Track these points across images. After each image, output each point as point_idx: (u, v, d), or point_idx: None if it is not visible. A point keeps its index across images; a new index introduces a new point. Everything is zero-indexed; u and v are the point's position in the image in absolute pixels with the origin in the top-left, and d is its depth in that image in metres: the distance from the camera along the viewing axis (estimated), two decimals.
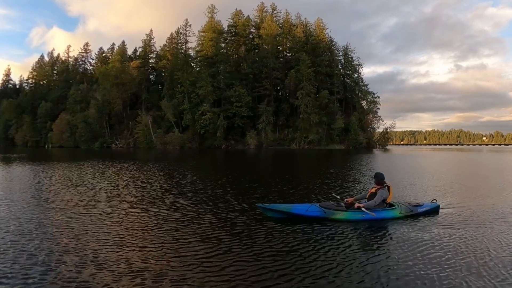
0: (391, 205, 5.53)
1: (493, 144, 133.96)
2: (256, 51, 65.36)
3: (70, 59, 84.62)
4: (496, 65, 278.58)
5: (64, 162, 20.44)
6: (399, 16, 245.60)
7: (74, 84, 76.04)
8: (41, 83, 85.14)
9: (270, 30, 62.28)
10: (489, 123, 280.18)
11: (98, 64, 79.44)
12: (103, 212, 5.95)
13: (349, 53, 68.08)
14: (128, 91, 65.90)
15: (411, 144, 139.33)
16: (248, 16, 67.58)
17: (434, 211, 5.84)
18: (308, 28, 67.31)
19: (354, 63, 67.03)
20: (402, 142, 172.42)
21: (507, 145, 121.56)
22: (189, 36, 64.80)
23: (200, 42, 63.79)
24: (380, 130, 67.19)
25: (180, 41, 66.64)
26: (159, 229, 4.78)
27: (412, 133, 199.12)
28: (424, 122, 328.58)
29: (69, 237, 4.34)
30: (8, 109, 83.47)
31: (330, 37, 67.28)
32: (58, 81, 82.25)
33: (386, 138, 67.85)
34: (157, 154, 34.67)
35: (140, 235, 4.49)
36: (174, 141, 55.81)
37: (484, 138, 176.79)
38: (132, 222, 5.25)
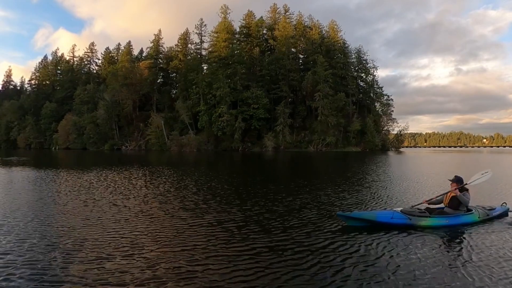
0: (468, 209, 5.46)
1: (498, 146, 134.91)
2: (269, 52, 64.53)
3: (75, 59, 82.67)
4: (496, 67, 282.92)
5: (82, 166, 18.41)
6: (402, 22, 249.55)
7: (80, 84, 74.17)
8: (45, 83, 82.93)
9: (285, 31, 61.47)
10: (488, 125, 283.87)
11: (105, 64, 77.72)
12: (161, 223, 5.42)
13: (362, 55, 67.71)
14: (139, 92, 64.25)
15: (413, 146, 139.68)
16: (262, 17, 66.88)
17: (504, 214, 5.90)
18: (321, 30, 66.83)
19: (368, 65, 66.62)
20: (402, 145, 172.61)
21: (510, 147, 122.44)
22: (203, 36, 63.48)
23: (212, 42, 62.60)
24: (394, 132, 66.94)
25: (194, 41, 65.54)
26: (226, 244, 4.26)
27: (413, 136, 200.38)
28: (423, 124, 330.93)
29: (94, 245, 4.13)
30: (10, 110, 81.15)
31: (343, 39, 66.91)
32: (63, 81, 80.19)
33: (400, 140, 67.63)
34: (178, 157, 33.37)
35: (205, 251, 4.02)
36: (191, 143, 54.32)
37: (485, 140, 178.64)
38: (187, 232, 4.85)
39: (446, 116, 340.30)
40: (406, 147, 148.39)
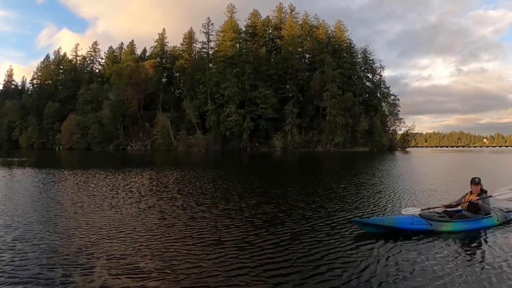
0: (487, 212, 5.25)
1: (500, 146, 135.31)
2: (274, 51, 64.15)
3: (78, 58, 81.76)
4: (496, 68, 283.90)
5: (97, 167, 17.07)
6: (404, 23, 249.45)
7: (83, 84, 73.32)
8: (47, 82, 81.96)
9: (292, 30, 61.12)
10: (488, 125, 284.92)
11: (109, 63, 76.97)
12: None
13: (368, 55, 67.55)
14: (144, 91, 63.57)
15: (414, 146, 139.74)
16: (268, 16, 66.48)
17: None
18: (327, 30, 66.57)
19: (375, 65, 66.51)
20: (408, 144, 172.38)
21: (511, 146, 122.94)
22: (210, 35, 62.99)
23: (218, 42, 62.12)
24: (400, 132, 66.95)
25: (199, 41, 65.05)
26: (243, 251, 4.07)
27: (413, 135, 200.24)
28: (423, 124, 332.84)
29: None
30: (12, 110, 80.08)
31: (349, 39, 66.73)
32: (65, 81, 79.30)
33: (407, 140, 67.63)
34: (189, 158, 32.69)
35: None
36: (199, 143, 53.77)
37: (485, 140, 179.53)
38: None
39: (446, 116, 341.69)
40: (408, 147, 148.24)
